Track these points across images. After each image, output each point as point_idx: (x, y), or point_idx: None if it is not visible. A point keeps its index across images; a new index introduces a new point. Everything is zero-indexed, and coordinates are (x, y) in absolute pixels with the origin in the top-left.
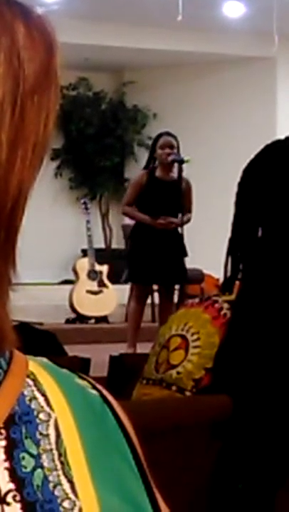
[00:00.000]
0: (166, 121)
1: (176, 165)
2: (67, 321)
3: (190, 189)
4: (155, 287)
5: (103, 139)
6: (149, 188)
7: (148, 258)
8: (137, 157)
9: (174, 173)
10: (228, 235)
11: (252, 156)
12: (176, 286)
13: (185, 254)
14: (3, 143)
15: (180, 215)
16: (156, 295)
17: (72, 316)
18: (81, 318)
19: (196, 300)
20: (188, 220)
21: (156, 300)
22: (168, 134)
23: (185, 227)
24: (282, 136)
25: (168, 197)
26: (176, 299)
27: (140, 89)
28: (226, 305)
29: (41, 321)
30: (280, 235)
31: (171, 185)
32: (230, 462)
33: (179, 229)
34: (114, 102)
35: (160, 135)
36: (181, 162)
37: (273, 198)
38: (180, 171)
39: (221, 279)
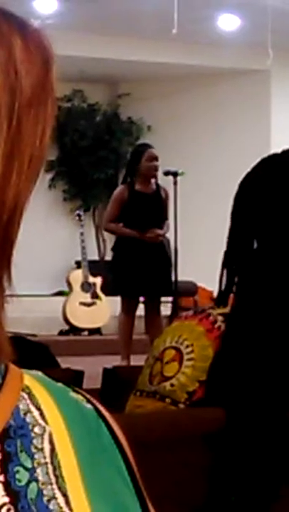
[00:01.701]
0: (160, 133)
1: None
2: (61, 333)
3: (168, 198)
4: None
5: (97, 151)
6: (132, 203)
7: (133, 271)
8: None
9: (153, 185)
10: (222, 247)
11: (248, 170)
12: (164, 299)
13: (170, 265)
14: None
15: (163, 226)
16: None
17: (66, 327)
18: (74, 329)
19: (191, 312)
20: (168, 228)
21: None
22: (149, 146)
23: (179, 239)
24: (278, 150)
25: (151, 209)
26: (165, 311)
27: (135, 102)
28: (220, 318)
29: (34, 333)
30: (276, 248)
31: (153, 197)
32: (224, 475)
33: (172, 242)
34: (109, 114)
35: (144, 147)
36: (175, 174)
37: (269, 211)
38: (157, 183)
39: (215, 292)
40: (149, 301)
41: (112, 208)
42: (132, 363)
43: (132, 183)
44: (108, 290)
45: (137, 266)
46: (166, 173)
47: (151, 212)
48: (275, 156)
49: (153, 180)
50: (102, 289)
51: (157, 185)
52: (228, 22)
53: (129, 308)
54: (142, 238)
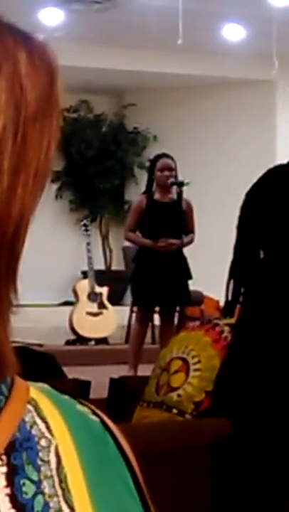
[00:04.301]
0: (166, 143)
1: (175, 186)
2: (67, 343)
3: (191, 210)
4: (157, 308)
5: (103, 162)
6: (149, 212)
7: (151, 281)
8: (138, 179)
9: (173, 195)
10: (228, 257)
11: (254, 180)
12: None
13: (189, 277)
14: (4, 169)
15: (183, 236)
16: (156, 316)
17: (72, 337)
18: (81, 339)
19: (197, 323)
20: (192, 241)
21: (157, 322)
22: (166, 155)
23: (185, 248)
24: (284, 160)
25: (168, 219)
26: (176, 321)
27: (140, 112)
28: (226, 328)
29: (41, 343)
30: (282, 259)
31: (171, 206)
32: (230, 485)
33: (184, 251)
34: (115, 125)
35: (158, 157)
36: (181, 185)
37: (275, 221)
38: (180, 193)
39: (221, 301)
40: (165, 312)
41: (130, 218)
42: (139, 373)
43: (151, 193)
44: (116, 300)
45: (154, 276)
46: (172, 184)
47: (167, 222)
48: (280, 166)
49: (174, 190)
50: (109, 298)
51: (179, 195)
52: (233, 32)
53: (143, 318)
54: (154, 247)
